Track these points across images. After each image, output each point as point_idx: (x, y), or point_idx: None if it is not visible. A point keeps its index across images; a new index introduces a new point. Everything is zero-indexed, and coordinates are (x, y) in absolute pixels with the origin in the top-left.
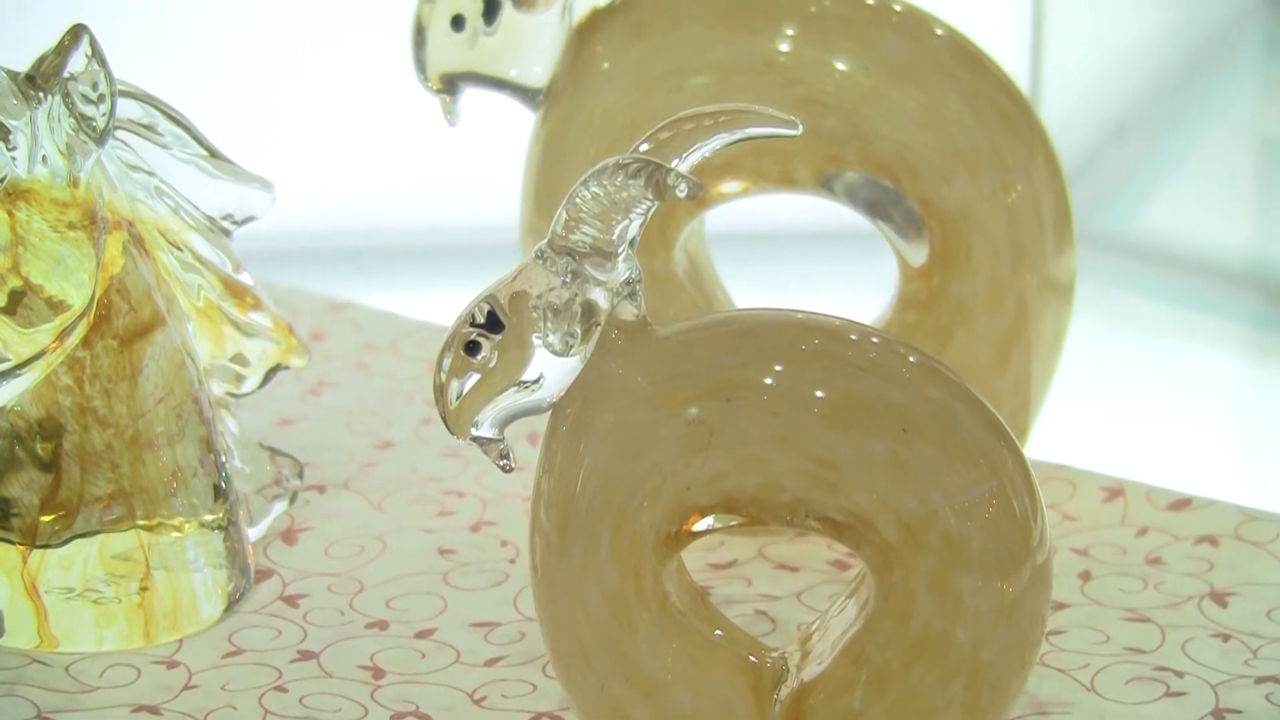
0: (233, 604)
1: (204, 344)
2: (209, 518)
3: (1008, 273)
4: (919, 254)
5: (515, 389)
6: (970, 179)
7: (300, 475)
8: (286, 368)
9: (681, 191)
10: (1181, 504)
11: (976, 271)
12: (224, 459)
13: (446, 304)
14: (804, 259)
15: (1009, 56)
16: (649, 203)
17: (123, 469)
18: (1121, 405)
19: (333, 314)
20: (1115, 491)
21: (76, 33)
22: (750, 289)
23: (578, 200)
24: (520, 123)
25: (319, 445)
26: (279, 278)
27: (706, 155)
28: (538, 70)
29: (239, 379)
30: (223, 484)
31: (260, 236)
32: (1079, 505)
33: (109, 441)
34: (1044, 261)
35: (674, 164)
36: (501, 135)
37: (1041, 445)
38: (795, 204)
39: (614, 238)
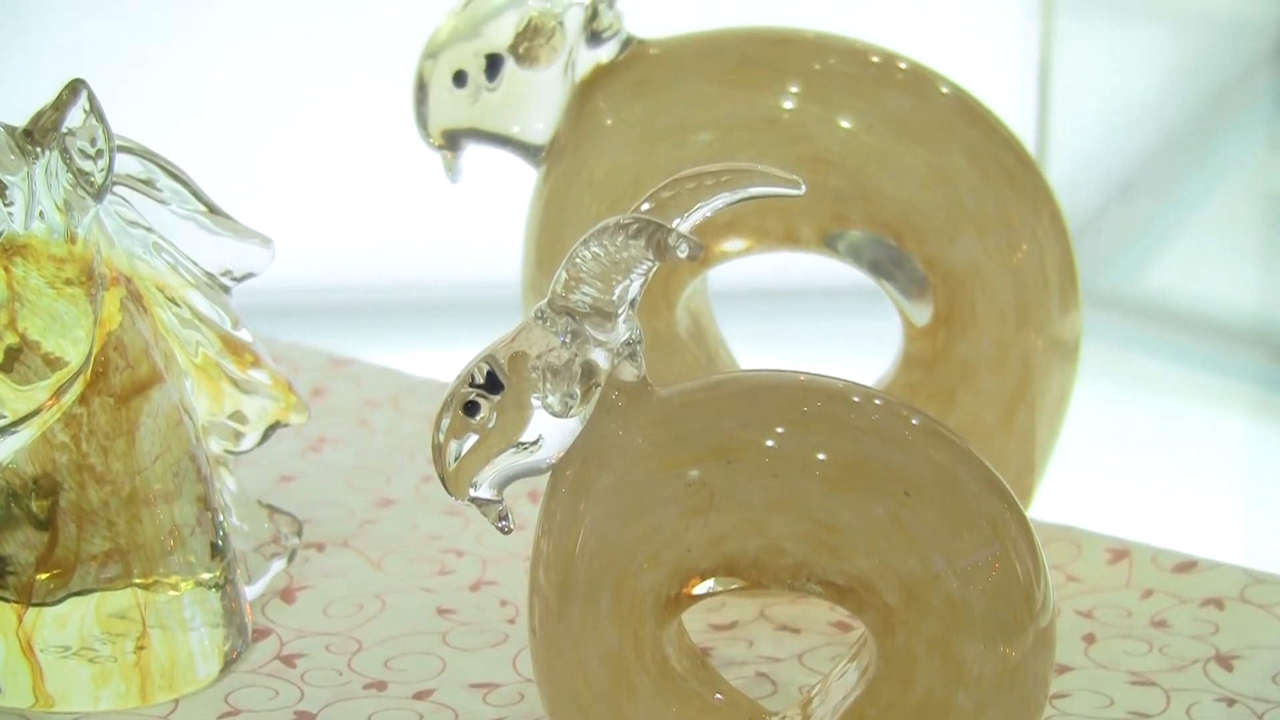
0: (230, 663)
1: (202, 401)
2: (206, 576)
3: (1013, 332)
4: (923, 313)
5: (514, 450)
6: (975, 238)
7: (299, 533)
8: (285, 425)
9: (683, 252)
10: (1187, 566)
11: (981, 331)
12: (222, 517)
13: (449, 360)
14: (808, 316)
15: (1015, 114)
16: (650, 263)
17: (119, 526)
18: (1127, 466)
19: (334, 370)
20: (1120, 553)
21: (75, 88)
22: (754, 346)
23: (578, 260)
24: (522, 179)
25: (319, 502)
26: (280, 333)
27: (709, 215)
28: (540, 127)
29: (238, 436)
30: (220, 542)
31: (262, 291)
32: (1084, 567)
33: (105, 499)
34: (1049, 321)
35: (675, 224)
36: (503, 191)
37: (1046, 506)
38: (799, 261)
39: (614, 298)
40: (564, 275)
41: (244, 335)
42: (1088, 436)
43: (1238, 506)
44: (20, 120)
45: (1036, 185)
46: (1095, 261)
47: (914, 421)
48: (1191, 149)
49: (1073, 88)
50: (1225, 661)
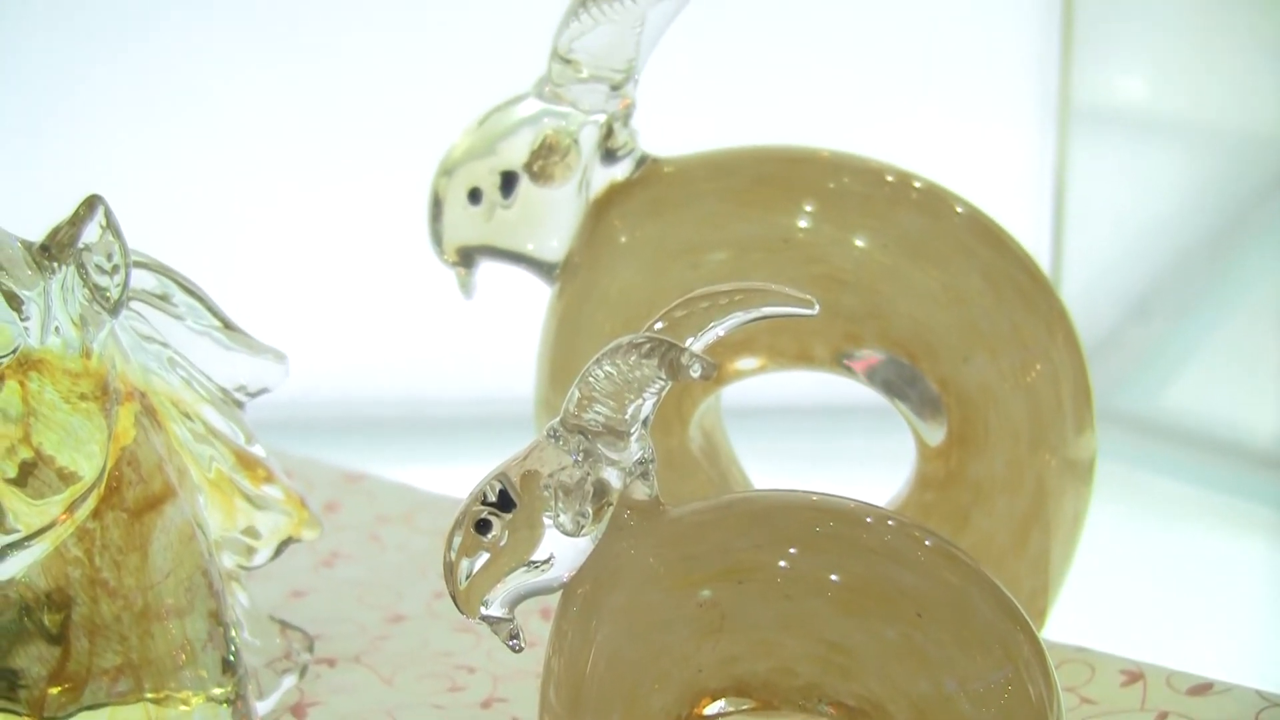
0: None
1: (215, 516)
2: (217, 691)
3: (1026, 453)
4: (936, 433)
5: (526, 568)
6: (989, 358)
7: (310, 649)
8: (298, 540)
9: (695, 372)
10: (1202, 689)
11: (995, 452)
12: (234, 632)
13: (461, 476)
14: (821, 434)
15: (1030, 233)
16: (663, 383)
17: (131, 641)
18: (1142, 587)
19: (347, 485)
20: (1134, 675)
21: (91, 203)
22: (767, 464)
23: (591, 379)
24: (536, 295)
25: (330, 618)
26: (293, 448)
27: (722, 334)
28: (554, 244)
29: (250, 551)
30: (232, 657)
31: (275, 406)
32: (1097, 688)
33: (118, 613)
34: (1063, 442)
35: (688, 343)
36: (518, 308)
37: (1060, 627)
38: (812, 379)
39: (627, 417)
40: (577, 394)
41: (257, 451)
42: (1102, 557)
43: (1253, 629)
44: (37, 235)
45: (1051, 305)
46: (1111, 381)
47: (927, 543)
48: (1208, 269)
49: (1088, 207)
50: None
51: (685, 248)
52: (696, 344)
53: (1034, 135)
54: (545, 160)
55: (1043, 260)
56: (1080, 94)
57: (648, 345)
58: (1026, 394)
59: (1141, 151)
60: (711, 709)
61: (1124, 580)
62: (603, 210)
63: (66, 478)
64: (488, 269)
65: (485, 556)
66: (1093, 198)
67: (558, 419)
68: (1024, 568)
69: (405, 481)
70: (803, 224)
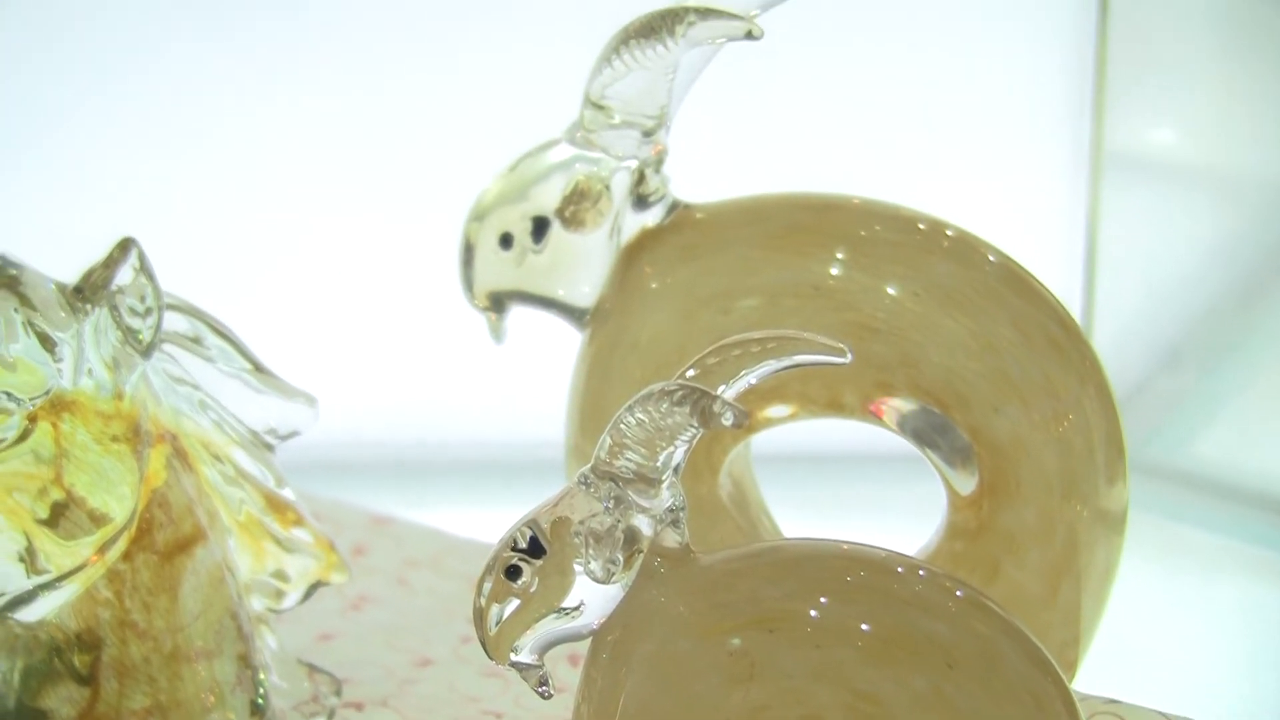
0: None
1: (245, 559)
2: None
3: (1058, 504)
4: (967, 483)
5: (555, 615)
6: (1021, 408)
7: (338, 693)
8: (327, 584)
9: (727, 420)
10: None
11: (1026, 502)
12: (262, 675)
13: (491, 521)
14: (851, 482)
15: (1062, 282)
16: (694, 430)
17: (160, 683)
18: (1174, 639)
19: (375, 529)
20: None
21: (125, 246)
22: (796, 512)
23: (622, 426)
24: (567, 341)
25: (358, 661)
26: (323, 491)
27: (754, 382)
28: (585, 290)
29: (280, 595)
30: (260, 700)
31: (305, 449)
32: None
33: (147, 655)
34: (1095, 492)
35: (720, 391)
36: (548, 353)
37: (1091, 678)
38: (843, 426)
39: (658, 465)
40: (608, 441)
41: (287, 494)
42: (1134, 608)
43: None
44: (71, 277)
45: (1082, 355)
46: (1142, 431)
47: (958, 593)
48: (1241, 318)
49: (1120, 256)
50: None
51: (716, 294)
52: (728, 392)
53: (1066, 184)
54: (577, 206)
55: (1074, 309)
56: (1112, 143)
57: (680, 393)
58: (1058, 444)
59: (1174, 201)
60: None
61: (1156, 631)
62: (634, 256)
63: (98, 519)
64: (519, 314)
65: (515, 603)
66: (1124, 247)
67: (589, 466)
68: (1055, 618)
69: (434, 525)
70: (834, 271)
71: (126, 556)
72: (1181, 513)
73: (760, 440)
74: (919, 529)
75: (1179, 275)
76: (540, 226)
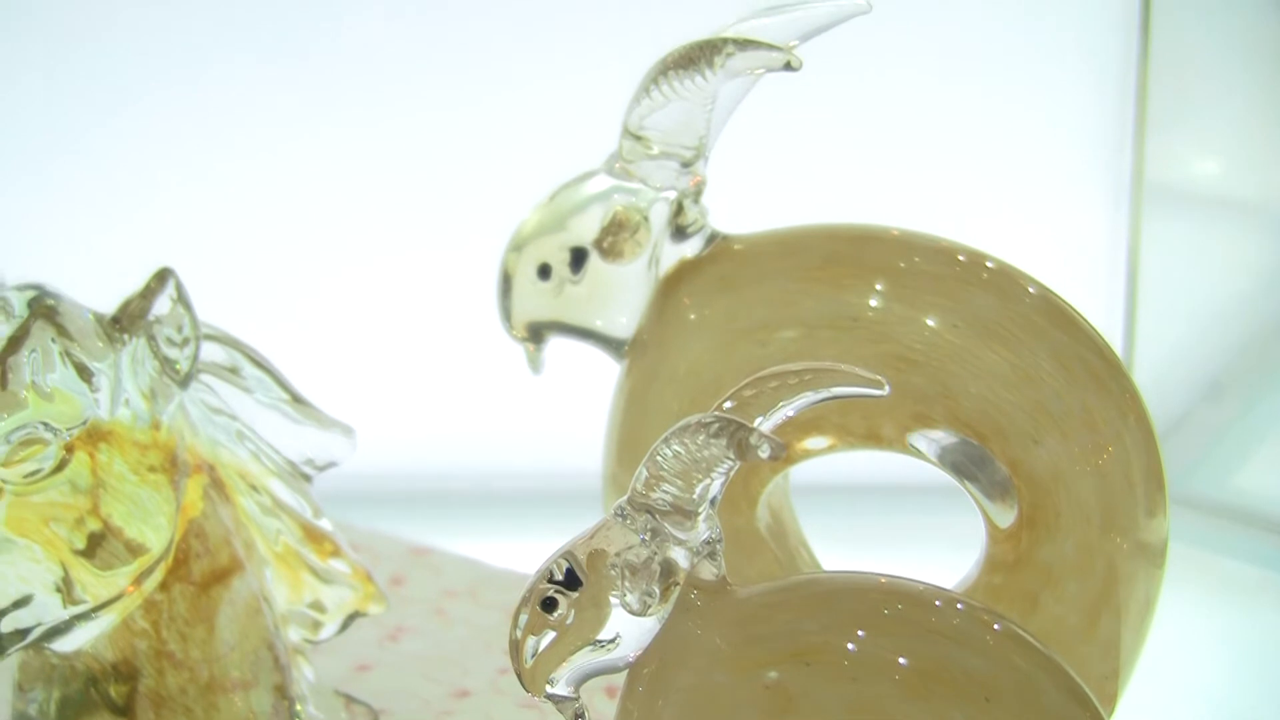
0: None
1: (282, 589)
2: None
3: (1097, 536)
4: (1007, 516)
5: (592, 648)
6: (1060, 441)
7: None
8: (364, 615)
9: (764, 452)
10: None
11: (1065, 535)
12: (298, 706)
13: (528, 551)
14: (890, 513)
15: (1103, 313)
16: (731, 462)
17: (196, 714)
18: (1214, 672)
19: (413, 559)
20: None
21: (162, 276)
22: (835, 544)
23: (659, 458)
24: (605, 371)
25: (395, 692)
26: (360, 521)
27: (791, 414)
28: (623, 321)
29: (316, 626)
30: None
31: (343, 479)
32: None
33: (183, 685)
34: (1135, 525)
35: (757, 423)
36: (586, 384)
37: (1130, 712)
38: (881, 457)
39: (695, 497)
40: (645, 473)
41: (324, 525)
42: (1174, 642)
43: None
44: (108, 307)
45: (1122, 387)
46: (1183, 463)
47: (995, 627)
48: None
49: (1162, 288)
50: None
51: (754, 325)
52: (765, 424)
53: (1107, 216)
54: (615, 237)
55: (1115, 341)
56: (1154, 175)
57: (716, 425)
58: (1098, 477)
59: (1215, 232)
60: None
61: (1196, 665)
62: (672, 287)
63: (134, 549)
64: (557, 344)
65: (551, 635)
66: (1166, 279)
67: (625, 498)
68: (1094, 652)
69: (472, 556)
70: (873, 303)
71: (163, 587)
72: (1223, 545)
73: (799, 471)
74: (959, 560)
75: (1220, 307)
76: (578, 257)
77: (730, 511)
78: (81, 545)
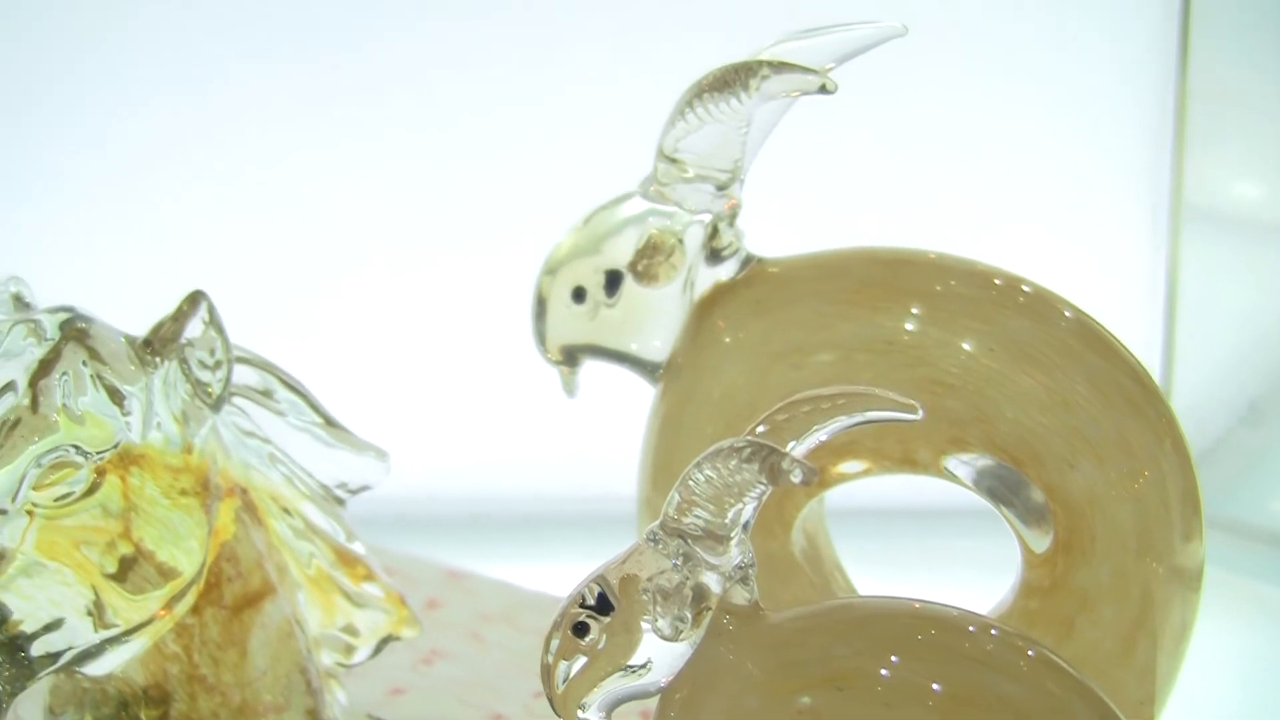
0: None
1: (315, 613)
2: None
3: (1133, 561)
4: (1042, 541)
5: (623, 673)
6: (1096, 465)
7: None
8: (398, 639)
9: (796, 477)
10: None
11: (1101, 560)
12: None
13: (564, 575)
14: (925, 537)
15: (1141, 337)
16: (763, 487)
17: None
18: (1251, 698)
19: (448, 583)
20: None
21: (195, 299)
22: (870, 568)
23: (691, 483)
24: (640, 394)
25: (429, 716)
26: (395, 545)
27: (824, 439)
28: (658, 344)
29: (349, 650)
30: None
31: (377, 503)
32: None
33: (215, 709)
34: (1171, 550)
35: (790, 447)
36: (621, 407)
37: None
38: (916, 481)
39: (727, 521)
40: (677, 498)
41: (357, 548)
42: (1210, 667)
43: None
44: (140, 330)
45: (1159, 412)
46: (1220, 488)
47: (1030, 653)
48: None
49: (1201, 312)
50: None
51: (789, 349)
52: (798, 449)
53: (1146, 239)
54: (650, 260)
55: (1153, 364)
56: (1193, 198)
57: (748, 450)
58: (1134, 502)
59: (1254, 255)
60: None
61: (1232, 690)
62: (707, 310)
63: (166, 573)
64: (591, 368)
65: (583, 660)
66: (1205, 302)
67: (657, 522)
68: (1130, 677)
69: (507, 580)
70: (909, 326)
71: (195, 610)
72: (1260, 569)
73: (834, 495)
74: (994, 585)
75: (1260, 331)
76: (613, 280)
77: (765, 536)
78: (113, 569)
